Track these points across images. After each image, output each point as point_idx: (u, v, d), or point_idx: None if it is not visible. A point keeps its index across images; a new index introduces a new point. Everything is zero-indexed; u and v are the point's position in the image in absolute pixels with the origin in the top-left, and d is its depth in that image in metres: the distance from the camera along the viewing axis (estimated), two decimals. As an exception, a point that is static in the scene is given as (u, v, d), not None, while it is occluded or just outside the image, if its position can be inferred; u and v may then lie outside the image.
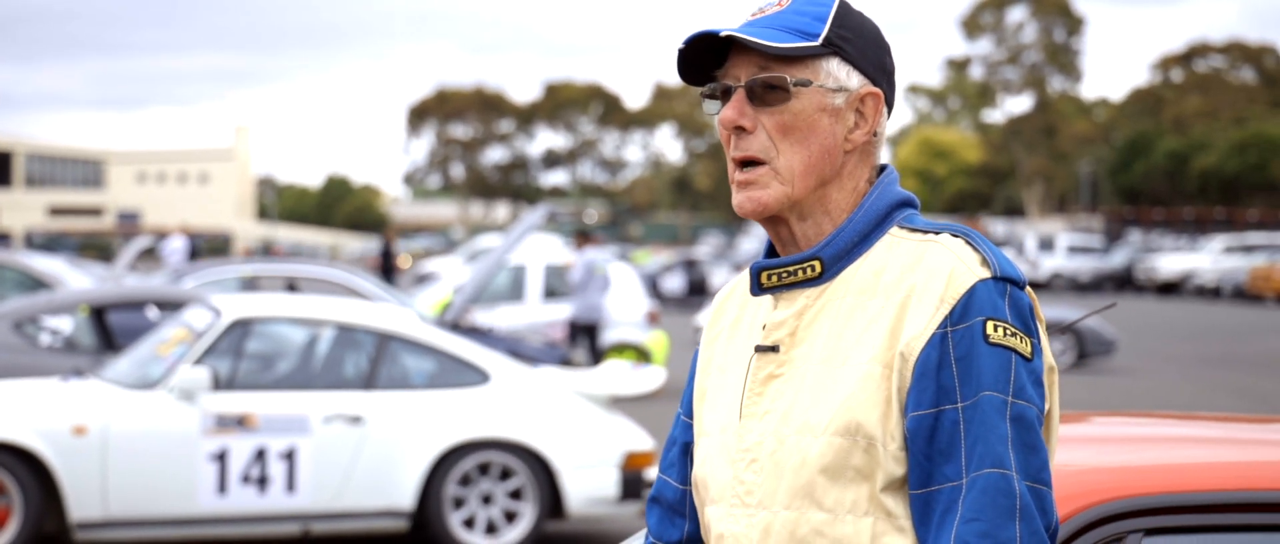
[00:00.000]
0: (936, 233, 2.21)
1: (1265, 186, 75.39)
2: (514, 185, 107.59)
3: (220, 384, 8.91)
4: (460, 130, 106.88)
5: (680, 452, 2.42)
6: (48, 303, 11.44)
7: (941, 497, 2.11)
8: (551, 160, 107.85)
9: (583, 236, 17.75)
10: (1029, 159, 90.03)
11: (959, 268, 2.15)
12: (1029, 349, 2.13)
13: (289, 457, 8.89)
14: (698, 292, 39.19)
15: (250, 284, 15.18)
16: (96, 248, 75.44)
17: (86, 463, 8.70)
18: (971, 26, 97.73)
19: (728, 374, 2.31)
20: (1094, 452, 2.67)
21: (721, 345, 2.35)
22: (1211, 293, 45.89)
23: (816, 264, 2.23)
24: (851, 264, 2.22)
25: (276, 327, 9.55)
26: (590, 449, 9.28)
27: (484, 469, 9.22)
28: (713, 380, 2.34)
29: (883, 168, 2.31)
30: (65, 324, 11.62)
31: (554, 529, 10.07)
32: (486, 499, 9.25)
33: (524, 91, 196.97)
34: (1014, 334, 2.13)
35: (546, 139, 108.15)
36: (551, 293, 19.37)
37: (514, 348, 13.56)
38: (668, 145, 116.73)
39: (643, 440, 9.42)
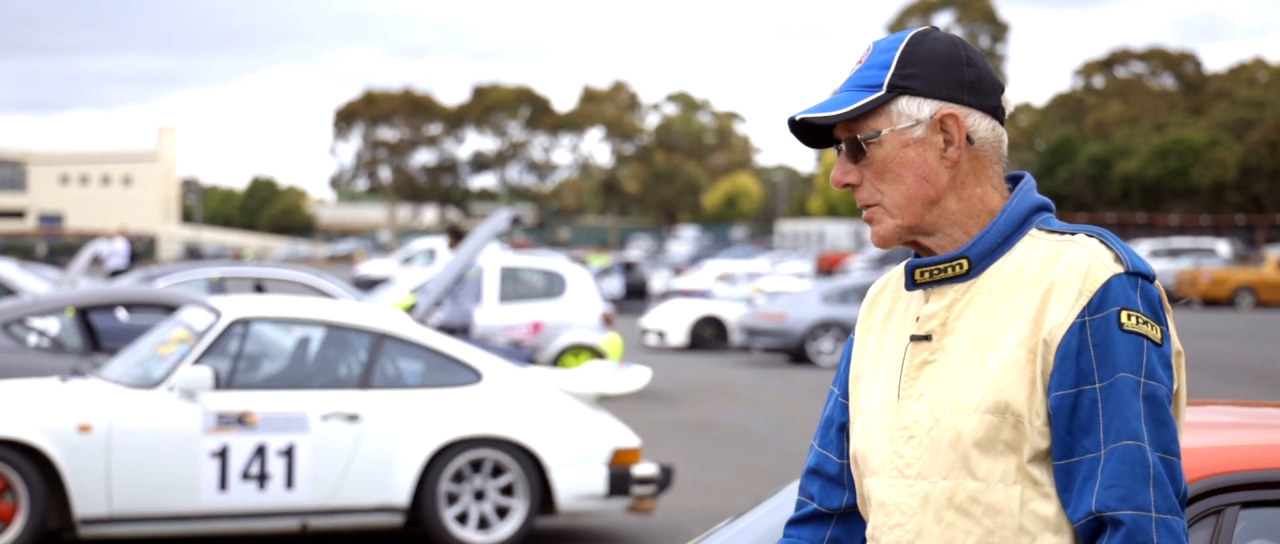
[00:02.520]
0: (1073, 234, 2.49)
1: (1185, 191, 76.64)
2: (442, 188, 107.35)
3: (221, 383, 9.08)
4: (388, 133, 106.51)
5: (838, 430, 2.69)
6: (35, 304, 11.55)
7: (1082, 467, 2.39)
8: (480, 163, 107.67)
9: (455, 236, 17.83)
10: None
11: (1095, 264, 2.43)
12: (1159, 335, 2.41)
13: (288, 454, 9.08)
14: (637, 294, 39.42)
15: (218, 286, 15.29)
16: (18, 251, 74.56)
17: (91, 460, 8.85)
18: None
19: (882, 360, 2.59)
20: (1195, 434, 2.96)
21: (875, 335, 2.64)
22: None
23: (964, 262, 2.51)
24: (995, 262, 2.50)
25: (275, 327, 9.73)
26: (580, 446, 9.52)
27: (476, 466, 9.44)
28: (867, 366, 2.62)
29: (1021, 176, 2.58)
30: (52, 325, 11.72)
31: (544, 525, 10.30)
32: (479, 495, 9.46)
33: (452, 94, 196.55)
34: (1146, 322, 2.40)
35: (475, 142, 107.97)
36: (507, 295, 19.56)
37: (482, 348, 13.74)
38: (596, 148, 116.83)
39: (629, 438, 9.66)
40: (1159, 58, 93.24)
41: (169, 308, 11.60)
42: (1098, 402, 2.38)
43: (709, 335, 26.94)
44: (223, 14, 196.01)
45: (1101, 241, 2.46)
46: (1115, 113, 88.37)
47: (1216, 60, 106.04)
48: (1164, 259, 49.31)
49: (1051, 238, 2.49)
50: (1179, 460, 2.40)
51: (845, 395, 2.68)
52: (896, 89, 2.49)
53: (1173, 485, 2.38)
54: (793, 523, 2.73)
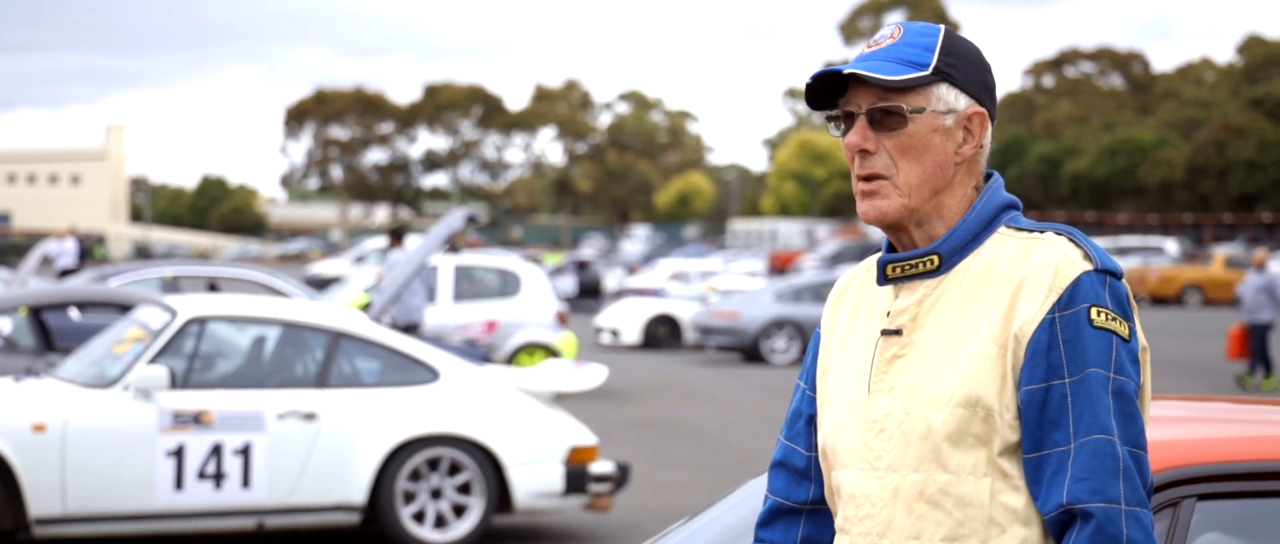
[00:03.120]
0: (1042, 231, 2.54)
1: (1134, 190, 77.24)
2: (394, 187, 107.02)
3: (177, 382, 9.06)
4: (339, 132, 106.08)
5: (805, 423, 2.73)
6: (-12, 303, 11.48)
7: (1052, 460, 2.44)
8: (432, 162, 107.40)
9: (395, 237, 17.81)
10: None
11: (1064, 261, 2.48)
12: (1127, 332, 2.46)
13: (244, 453, 9.06)
14: (590, 293, 39.45)
15: (171, 285, 15.23)
16: (-35, 250, 73.85)
17: (46, 460, 8.81)
18: (849, 31, 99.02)
19: (850, 355, 2.63)
20: (1151, 428, 3.02)
21: (842, 329, 2.67)
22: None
23: (935, 258, 2.55)
24: (965, 258, 2.55)
25: (231, 326, 9.71)
26: (536, 445, 9.54)
27: (433, 464, 9.44)
28: (835, 360, 2.66)
29: (989, 175, 2.63)
30: (5, 325, 11.65)
31: (501, 523, 10.32)
32: (436, 493, 9.47)
33: (404, 93, 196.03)
34: (1114, 319, 2.46)
35: (427, 141, 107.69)
36: (462, 294, 19.55)
37: (437, 347, 13.73)
38: (549, 147, 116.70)
39: (586, 436, 9.69)
40: (1108, 58, 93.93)
41: (123, 307, 11.55)
42: (1067, 396, 2.43)
43: (663, 334, 27.00)
44: (172, 12, 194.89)
45: (1070, 240, 2.51)
46: (1064, 112, 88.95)
47: (1164, 60, 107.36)
48: (1113, 257, 49.65)
49: (1020, 235, 2.54)
50: (1146, 454, 2.46)
51: (813, 388, 2.71)
52: (941, 74, 2.53)
53: (1141, 478, 2.43)
54: (762, 524, 2.76)
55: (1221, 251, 49.08)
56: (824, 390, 2.66)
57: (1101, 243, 53.29)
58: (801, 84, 2.70)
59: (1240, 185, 70.75)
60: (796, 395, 2.76)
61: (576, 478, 9.57)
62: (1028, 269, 2.48)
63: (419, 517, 9.45)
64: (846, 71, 2.54)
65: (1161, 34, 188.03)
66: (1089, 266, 2.47)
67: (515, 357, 18.70)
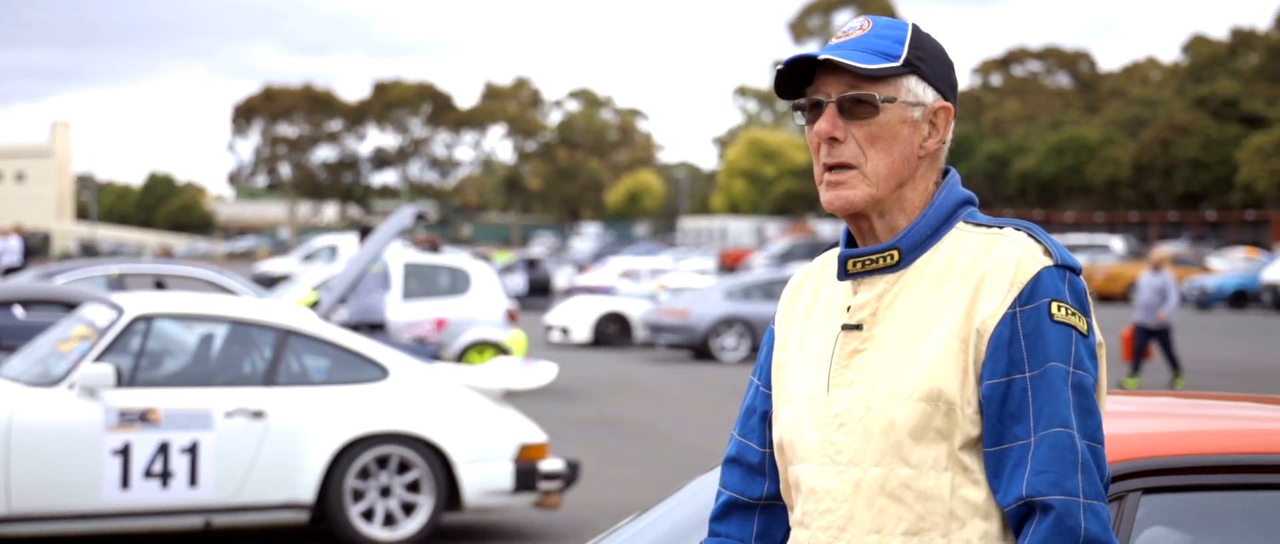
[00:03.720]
0: (1001, 227, 2.56)
1: (1080, 189, 77.78)
2: (343, 185, 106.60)
3: (123, 380, 8.99)
4: (288, 129, 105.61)
5: (760, 419, 2.73)
6: (-71, 302, 11.37)
7: (1012, 453, 2.46)
8: (381, 160, 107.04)
9: (364, 234, 17.74)
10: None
11: (1025, 257, 2.50)
12: (1085, 327, 2.49)
13: (191, 451, 9.00)
14: (540, 291, 39.40)
15: (118, 283, 15.12)
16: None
17: (-10, 459, 8.72)
18: (799, 29, 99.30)
19: (808, 349, 2.63)
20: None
21: (798, 324, 2.68)
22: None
23: (896, 253, 2.57)
24: (925, 253, 2.56)
25: (178, 324, 9.64)
26: (486, 442, 9.52)
27: (382, 462, 9.41)
28: (792, 355, 2.66)
29: (947, 171, 2.65)
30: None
31: (450, 521, 10.29)
32: (385, 491, 9.43)
33: (353, 91, 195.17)
34: (1074, 313, 2.48)
35: (376, 138, 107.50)
36: (412, 292, 19.47)
37: (387, 344, 13.68)
38: (499, 145, 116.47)
39: (535, 434, 9.67)
40: (1055, 57, 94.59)
41: (68, 305, 11.46)
42: (1028, 390, 2.44)
43: (613, 332, 27.00)
44: (120, 9, 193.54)
45: (1030, 235, 2.53)
46: (1012, 111, 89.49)
47: (1110, 60, 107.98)
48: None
49: (980, 231, 2.56)
50: (1103, 448, 2.48)
51: (767, 385, 2.71)
52: (911, 67, 2.55)
53: (1099, 472, 2.45)
54: (716, 518, 2.75)
55: (1167, 249, 49.45)
56: (781, 385, 2.66)
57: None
58: (752, 82, 2.72)
59: (1185, 183, 71.35)
60: (750, 392, 2.76)
61: (526, 476, 9.55)
62: (989, 264, 2.50)
63: (368, 515, 9.41)
64: (822, 57, 2.55)
65: (1108, 34, 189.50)
66: (1049, 262, 2.49)
67: (465, 354, 18.66)
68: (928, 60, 2.58)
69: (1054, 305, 2.46)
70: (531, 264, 40.45)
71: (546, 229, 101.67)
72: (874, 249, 2.57)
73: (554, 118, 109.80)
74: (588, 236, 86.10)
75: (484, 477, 9.48)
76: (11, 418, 8.78)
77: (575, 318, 27.12)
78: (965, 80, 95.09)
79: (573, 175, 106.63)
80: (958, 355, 2.48)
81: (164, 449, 8.95)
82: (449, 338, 18.89)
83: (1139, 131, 77.08)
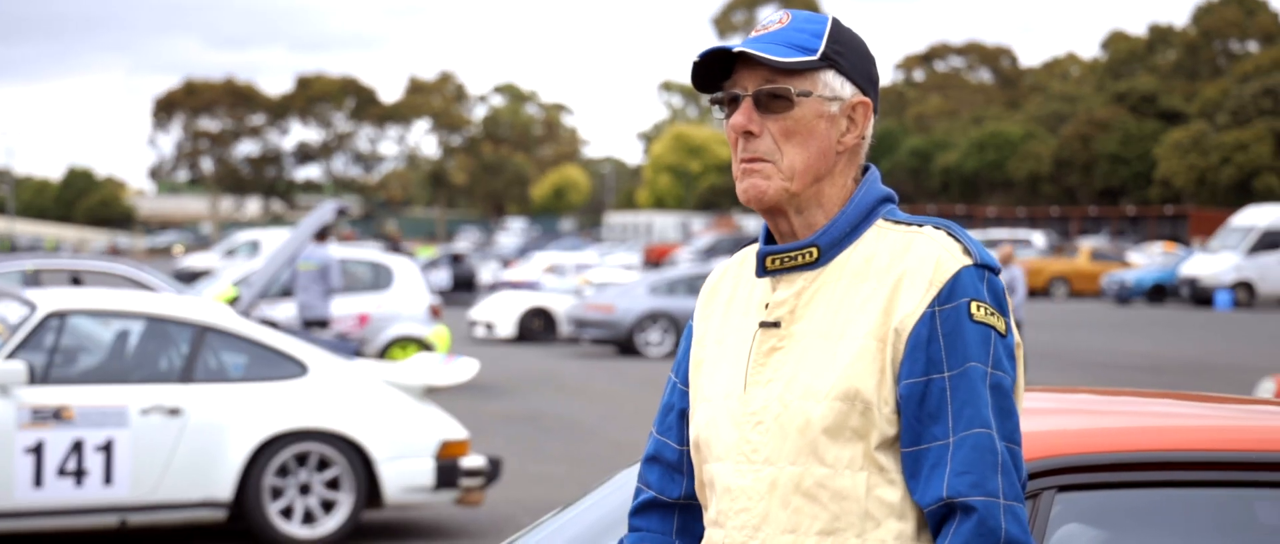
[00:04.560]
0: (919, 225, 2.54)
1: (1002, 183, 78.44)
2: (266, 179, 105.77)
3: (36, 377, 8.85)
4: (210, 123, 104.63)
5: (677, 416, 2.70)
6: None
7: (930, 454, 2.43)
8: (305, 154, 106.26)
9: (320, 234, 17.58)
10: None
11: (945, 256, 2.47)
12: (1004, 327, 2.47)
13: (106, 449, 8.87)
14: (465, 286, 39.25)
15: (33, 278, 14.89)
16: None
17: (-102, 459, 8.55)
18: (723, 24, 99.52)
19: (726, 346, 2.60)
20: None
21: (716, 321, 2.64)
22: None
23: (814, 250, 2.54)
24: (844, 251, 2.54)
25: (93, 320, 9.50)
26: (406, 439, 9.45)
27: (301, 459, 9.32)
28: (710, 351, 2.63)
29: (866, 168, 2.62)
30: None
31: (371, 518, 10.21)
32: (304, 489, 9.35)
33: (276, 85, 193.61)
34: (992, 314, 2.46)
35: (299, 133, 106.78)
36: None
37: (308, 341, 13.55)
38: (423, 140, 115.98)
39: (456, 430, 9.62)
40: (976, 52, 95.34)
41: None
42: (947, 390, 2.42)
43: (537, 327, 26.93)
44: (38, 2, 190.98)
45: (949, 234, 2.51)
46: (935, 106, 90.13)
47: (1031, 55, 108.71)
48: (983, 250, 50.39)
49: (898, 229, 2.54)
50: (1021, 449, 2.46)
51: (685, 382, 2.68)
52: (828, 61, 2.52)
53: (1017, 473, 2.44)
54: (636, 513, 2.72)
55: (1087, 244, 49.96)
56: (698, 382, 2.63)
57: (973, 235, 54.13)
58: (677, 77, 2.68)
59: (1105, 178, 72.12)
60: (668, 389, 2.73)
61: (447, 472, 9.49)
62: (908, 262, 2.48)
63: (287, 512, 9.32)
64: (736, 50, 2.52)
65: (1029, 30, 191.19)
66: (969, 261, 2.47)
67: (388, 350, 18.53)
68: (846, 54, 2.55)
69: (974, 305, 2.44)
70: (456, 259, 40.28)
71: (472, 224, 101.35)
72: (792, 246, 2.55)
73: (479, 113, 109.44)
74: (513, 232, 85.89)
75: (404, 473, 9.42)
76: (-79, 416, 8.62)
77: (500, 313, 27.03)
78: (888, 76, 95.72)
79: (498, 170, 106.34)
80: (875, 355, 2.46)
81: (78, 447, 8.82)
82: (371, 333, 18.76)
83: (1059, 127, 77.83)
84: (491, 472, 9.76)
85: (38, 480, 8.77)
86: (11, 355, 8.85)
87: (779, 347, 2.52)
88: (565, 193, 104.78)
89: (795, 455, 2.48)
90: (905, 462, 2.46)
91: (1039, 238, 54.20)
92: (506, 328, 26.77)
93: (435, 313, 19.60)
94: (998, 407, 2.43)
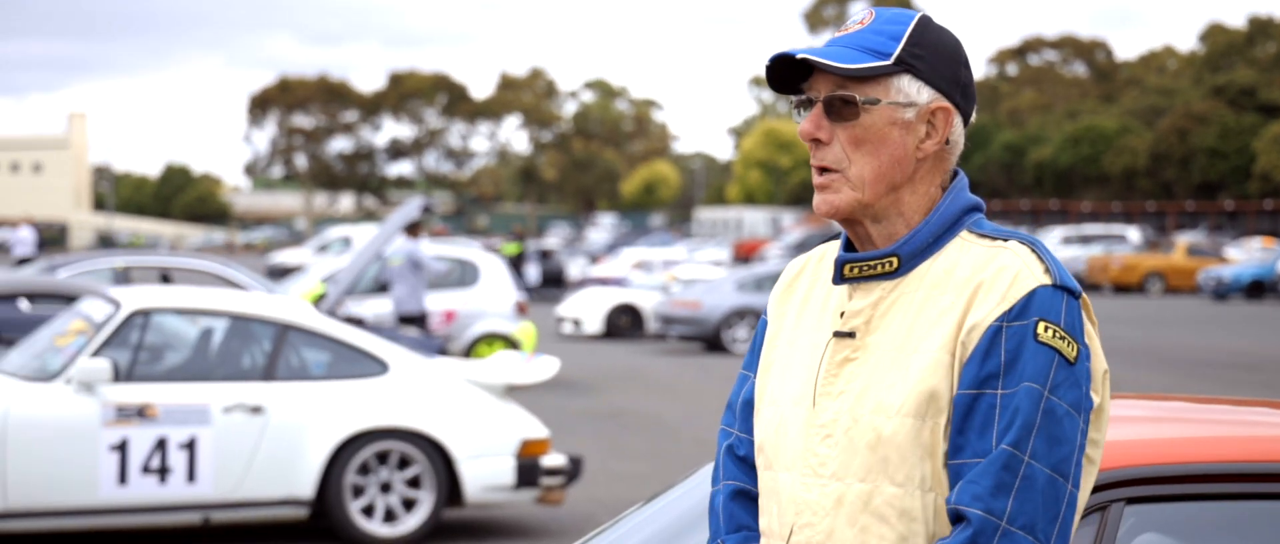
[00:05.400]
0: (1005, 239, 2.44)
1: (1097, 178, 77.46)
2: (359, 176, 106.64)
3: (120, 375, 8.92)
4: (303, 120, 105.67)
5: (752, 410, 2.61)
6: (-71, 296, 11.31)
7: (966, 468, 2.35)
8: (397, 151, 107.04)
9: (412, 229, 17.65)
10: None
11: (1024, 272, 2.38)
12: (1074, 353, 2.36)
13: (190, 446, 8.93)
14: (554, 282, 39.32)
15: (123, 276, 15.06)
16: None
17: (-14, 455, 8.66)
18: (814, 19, 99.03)
19: (797, 350, 2.52)
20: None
21: (790, 322, 2.56)
22: (1050, 282, 47.12)
23: (894, 260, 2.45)
24: (925, 261, 2.45)
25: (176, 318, 9.57)
26: (487, 438, 9.44)
27: (383, 458, 9.34)
28: (781, 353, 2.55)
29: (955, 173, 2.52)
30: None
31: (451, 516, 10.21)
32: (385, 487, 9.36)
33: (369, 82, 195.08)
34: (1062, 337, 2.36)
35: (392, 129, 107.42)
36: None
37: (392, 339, 13.61)
38: (514, 136, 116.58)
39: (537, 429, 9.59)
40: (1071, 46, 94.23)
41: (71, 298, 11.39)
42: (996, 407, 2.34)
43: (625, 324, 26.90)
44: (135, 0, 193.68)
45: (1033, 251, 2.42)
46: (1028, 100, 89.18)
47: (1127, 48, 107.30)
48: (1075, 246, 49.84)
49: (983, 242, 2.45)
50: (1069, 483, 2.34)
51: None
52: (903, 65, 2.43)
53: (1048, 505, 2.31)
54: (728, 505, 2.61)
55: (1184, 239, 49.25)
56: (767, 384, 2.56)
57: (1064, 231, 53.53)
58: (764, 71, 2.60)
59: (1202, 173, 71.04)
60: (743, 384, 2.64)
61: (528, 471, 9.47)
62: (985, 275, 2.39)
63: (368, 511, 9.34)
64: (799, 56, 2.43)
65: (1125, 22, 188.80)
66: (1048, 281, 2.38)
67: (474, 347, 18.57)
68: (926, 57, 2.44)
69: (1042, 325, 2.35)
70: (545, 255, 40.37)
71: (562, 220, 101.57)
72: (872, 255, 2.46)
73: (569, 109, 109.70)
74: (603, 227, 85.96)
75: (485, 472, 9.41)
76: (7, 413, 8.72)
77: (587, 310, 27.03)
78: (981, 70, 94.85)
79: (588, 166, 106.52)
80: (948, 369, 2.38)
81: (162, 445, 8.89)
82: (458, 331, 18.82)
83: (1156, 121, 76.74)
84: (572, 470, 9.73)
85: (122, 478, 8.84)
86: (96, 353, 8.92)
87: (852, 358, 2.45)
88: (655, 188, 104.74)
89: (865, 472, 2.40)
90: (949, 474, 2.38)
91: (1134, 233, 53.45)
92: (593, 324, 26.77)
93: (522, 309, 19.63)
94: (1047, 432, 2.33)
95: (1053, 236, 52.01)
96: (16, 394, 8.79)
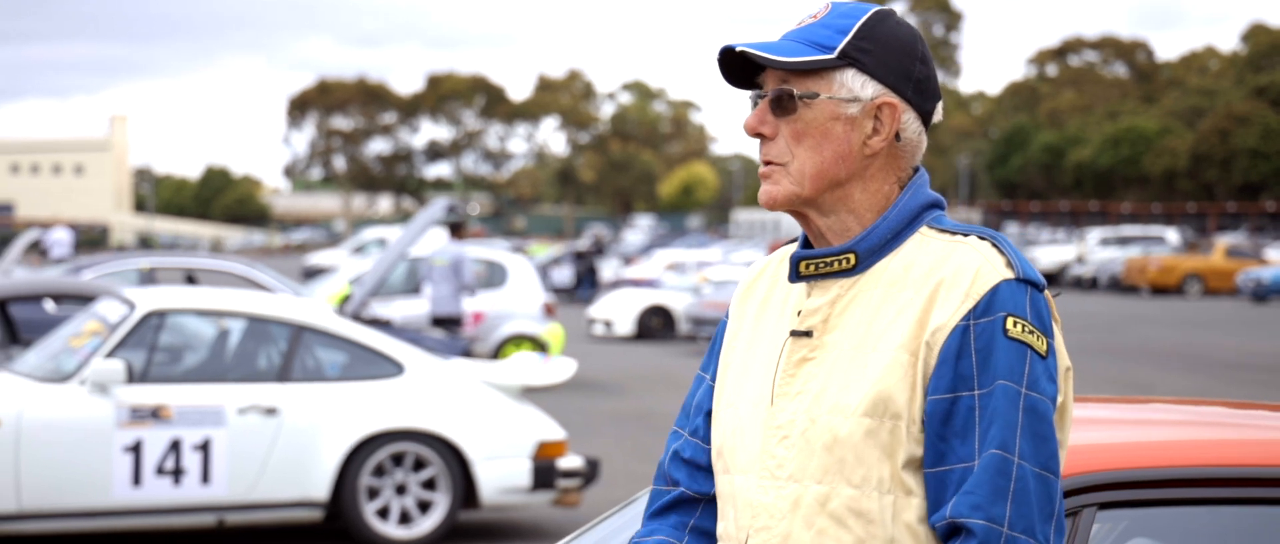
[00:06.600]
0: (964, 234, 2.38)
1: (1137, 179, 76.99)
2: (397, 177, 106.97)
3: (134, 376, 8.92)
4: (342, 122, 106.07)
5: (706, 418, 2.56)
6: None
7: (954, 476, 2.29)
8: (435, 152, 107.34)
9: (455, 229, 17.63)
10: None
11: (985, 267, 2.33)
12: (1044, 347, 2.30)
13: (204, 448, 8.92)
14: (587, 284, 39.30)
15: (148, 277, 15.09)
16: (-31, 240, 73.94)
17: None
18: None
19: (755, 351, 2.47)
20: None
21: (749, 323, 2.51)
22: (1089, 284, 46.88)
23: (852, 257, 2.39)
24: (883, 258, 2.39)
25: (190, 319, 9.57)
26: (503, 439, 9.40)
27: (398, 459, 9.31)
28: (739, 356, 2.49)
29: (917, 169, 2.46)
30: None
31: (467, 518, 10.18)
32: (400, 489, 9.33)
33: (407, 83, 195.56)
34: (1032, 332, 2.30)
35: (430, 131, 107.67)
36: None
37: (415, 340, 13.59)
38: (552, 137, 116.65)
39: (554, 431, 9.55)
40: (1111, 46, 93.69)
41: (93, 299, 11.39)
42: (975, 409, 2.28)
43: (656, 325, 26.84)
44: (176, 2, 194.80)
45: (994, 245, 2.37)
46: (1068, 101, 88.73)
47: (1168, 49, 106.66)
48: (1113, 247, 49.50)
49: (942, 237, 2.39)
50: (1055, 478, 2.29)
51: (715, 380, 2.56)
52: (847, 58, 2.38)
53: (1041, 504, 2.27)
54: (654, 515, 2.57)
55: (1224, 241, 48.87)
56: (725, 387, 2.50)
57: (1102, 232, 53.20)
58: (717, 65, 2.55)
59: (1244, 174, 70.51)
60: (701, 387, 2.58)
61: (544, 473, 9.43)
62: (945, 272, 2.34)
63: (383, 513, 9.32)
64: (739, 50, 2.39)
65: (1165, 22, 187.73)
66: (1010, 275, 2.32)
67: (502, 348, 18.54)
68: (874, 52, 2.39)
69: (1010, 321, 2.29)
70: (579, 257, 40.35)
71: (600, 221, 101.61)
72: (828, 251, 2.41)
73: (607, 110, 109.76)
74: (640, 229, 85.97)
75: (501, 474, 9.37)
76: (22, 414, 8.73)
77: (618, 311, 26.99)
78: (1020, 70, 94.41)
79: (626, 167, 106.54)
80: (907, 369, 2.32)
81: (176, 446, 8.88)
82: (485, 332, 18.80)
83: (1197, 122, 76.22)
84: (589, 472, 9.68)
85: (136, 479, 8.84)
86: (111, 355, 8.92)
87: (810, 357, 2.39)
88: (693, 190, 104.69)
89: (821, 474, 2.35)
90: (929, 483, 2.32)
91: (1172, 235, 53.09)
92: (625, 326, 26.73)
93: (550, 311, 19.60)
94: (1030, 431, 2.27)
95: (1090, 238, 51.67)
96: (31, 395, 8.80)
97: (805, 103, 2.38)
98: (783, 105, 2.39)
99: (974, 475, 2.26)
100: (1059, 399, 2.34)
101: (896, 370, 2.32)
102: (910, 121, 2.42)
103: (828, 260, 2.40)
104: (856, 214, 2.41)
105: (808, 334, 2.40)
